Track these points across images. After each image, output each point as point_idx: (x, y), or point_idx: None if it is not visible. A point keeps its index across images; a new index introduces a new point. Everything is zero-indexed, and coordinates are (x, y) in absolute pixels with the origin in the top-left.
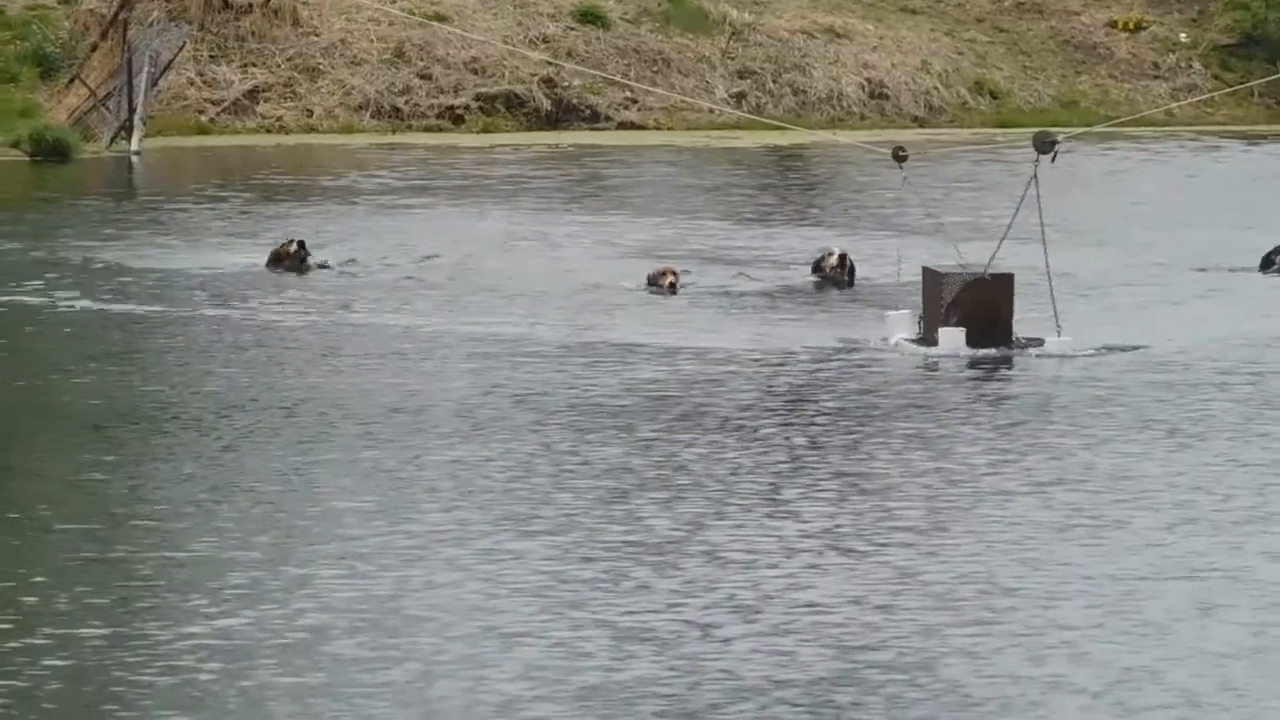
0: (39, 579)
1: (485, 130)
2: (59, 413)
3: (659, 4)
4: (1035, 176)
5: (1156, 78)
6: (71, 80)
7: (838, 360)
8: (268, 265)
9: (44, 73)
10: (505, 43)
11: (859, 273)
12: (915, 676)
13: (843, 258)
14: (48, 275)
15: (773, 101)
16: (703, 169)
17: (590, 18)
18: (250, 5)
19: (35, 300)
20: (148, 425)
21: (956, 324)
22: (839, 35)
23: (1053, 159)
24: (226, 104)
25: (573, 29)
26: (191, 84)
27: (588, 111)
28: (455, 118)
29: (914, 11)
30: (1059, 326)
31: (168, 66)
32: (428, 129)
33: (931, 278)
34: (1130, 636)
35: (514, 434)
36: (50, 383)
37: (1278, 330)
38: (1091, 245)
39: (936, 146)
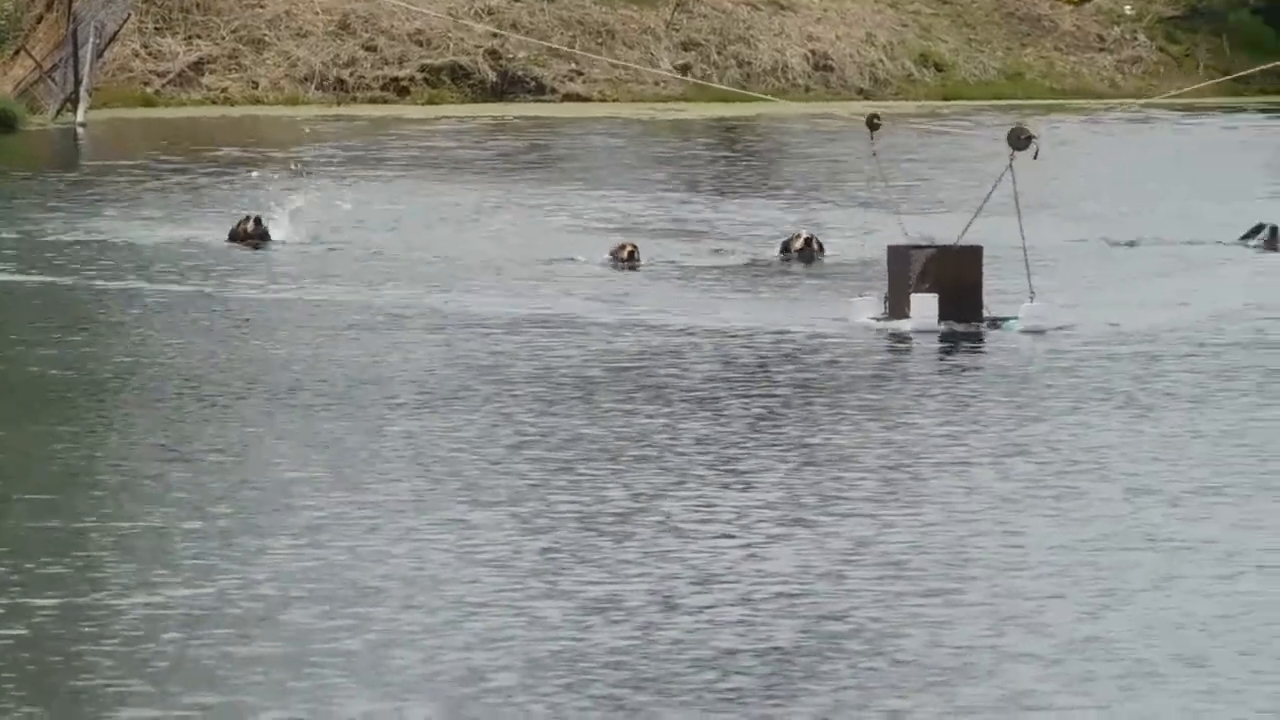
0: None
1: (430, 102)
2: (14, 383)
3: None
4: (1010, 168)
5: (1102, 50)
6: (17, 52)
7: (799, 333)
8: (228, 240)
9: None
10: (450, 14)
11: (827, 250)
12: (875, 645)
13: (809, 240)
14: None
15: (717, 73)
16: (650, 140)
17: None
18: None
19: None
20: (105, 396)
21: (928, 290)
22: (783, 7)
23: (1035, 155)
24: (171, 76)
25: (517, 1)
26: (136, 56)
27: (533, 83)
28: (400, 89)
29: None
30: (1032, 293)
31: (113, 38)
32: (372, 100)
33: (897, 254)
34: (1088, 606)
35: (473, 405)
36: (3, 355)
37: (1240, 302)
38: (1053, 219)
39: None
